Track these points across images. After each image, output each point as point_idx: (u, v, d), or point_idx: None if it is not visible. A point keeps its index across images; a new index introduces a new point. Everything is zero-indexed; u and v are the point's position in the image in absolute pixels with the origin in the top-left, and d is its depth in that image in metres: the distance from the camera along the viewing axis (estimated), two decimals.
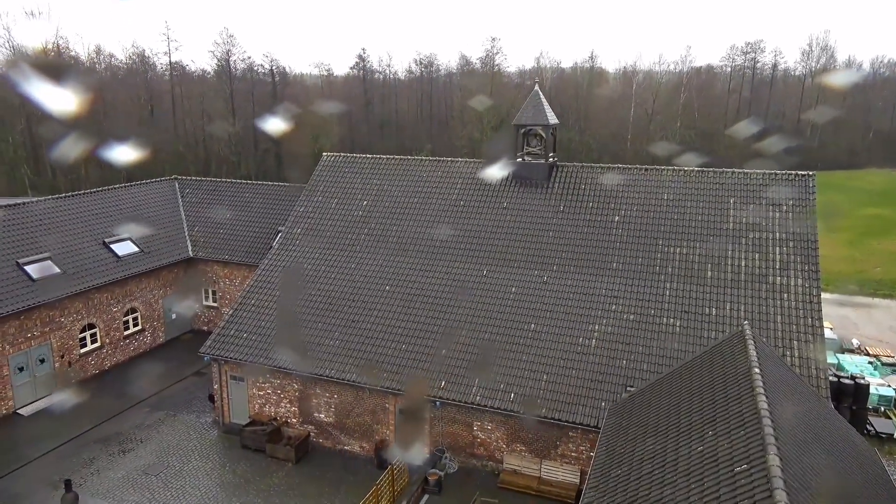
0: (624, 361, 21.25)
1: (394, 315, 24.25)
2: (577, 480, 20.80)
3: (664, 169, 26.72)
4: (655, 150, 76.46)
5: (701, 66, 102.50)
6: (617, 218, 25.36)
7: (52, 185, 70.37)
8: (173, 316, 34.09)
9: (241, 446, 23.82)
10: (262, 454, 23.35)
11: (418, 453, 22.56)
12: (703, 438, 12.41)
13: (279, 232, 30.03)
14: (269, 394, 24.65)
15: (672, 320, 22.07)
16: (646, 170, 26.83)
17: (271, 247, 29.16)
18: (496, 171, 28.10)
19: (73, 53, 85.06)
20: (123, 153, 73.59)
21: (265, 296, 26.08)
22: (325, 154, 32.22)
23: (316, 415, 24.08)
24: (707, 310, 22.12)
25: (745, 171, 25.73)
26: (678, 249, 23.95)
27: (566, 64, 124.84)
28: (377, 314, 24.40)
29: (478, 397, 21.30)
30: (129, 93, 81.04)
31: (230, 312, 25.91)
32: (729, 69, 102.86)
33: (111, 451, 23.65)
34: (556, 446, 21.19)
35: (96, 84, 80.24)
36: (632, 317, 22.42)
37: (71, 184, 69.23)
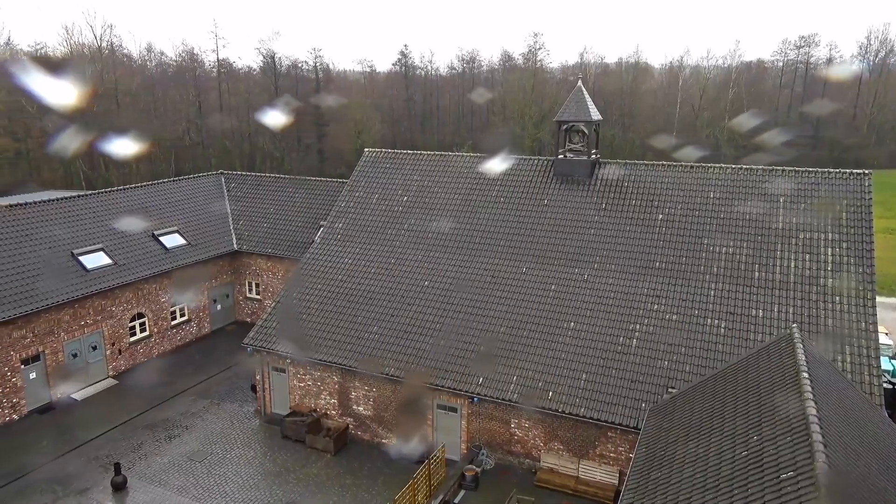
0: (665, 362, 20.86)
1: (432, 311, 24.33)
2: (616, 481, 20.53)
3: (710, 166, 26.08)
4: (703, 147, 74.70)
5: (751, 61, 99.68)
6: (661, 216, 24.88)
7: (106, 178, 72.88)
8: (218, 307, 34.95)
9: (282, 436, 24.30)
10: (301, 444, 23.76)
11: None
12: (747, 443, 12.09)
13: (321, 226, 30.44)
14: (309, 385, 25.07)
15: (717, 321, 21.55)
16: (691, 167, 26.23)
17: (313, 241, 29.58)
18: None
19: (125, 52, 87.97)
20: (171, 148, 75.79)
21: (306, 289, 26.49)
22: (366, 150, 32.50)
23: (354, 407, 24.37)
24: (754, 311, 21.52)
25: (797, 168, 24.91)
26: (724, 249, 23.35)
27: (610, 59, 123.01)
28: (415, 309, 24.52)
29: (515, 395, 21.22)
30: (179, 90, 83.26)
31: (273, 305, 26.41)
32: (781, 64, 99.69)
33: (158, 437, 24.42)
34: (594, 446, 20.96)
35: (148, 82, 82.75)
36: (674, 317, 21.98)
37: (123, 178, 71.64)
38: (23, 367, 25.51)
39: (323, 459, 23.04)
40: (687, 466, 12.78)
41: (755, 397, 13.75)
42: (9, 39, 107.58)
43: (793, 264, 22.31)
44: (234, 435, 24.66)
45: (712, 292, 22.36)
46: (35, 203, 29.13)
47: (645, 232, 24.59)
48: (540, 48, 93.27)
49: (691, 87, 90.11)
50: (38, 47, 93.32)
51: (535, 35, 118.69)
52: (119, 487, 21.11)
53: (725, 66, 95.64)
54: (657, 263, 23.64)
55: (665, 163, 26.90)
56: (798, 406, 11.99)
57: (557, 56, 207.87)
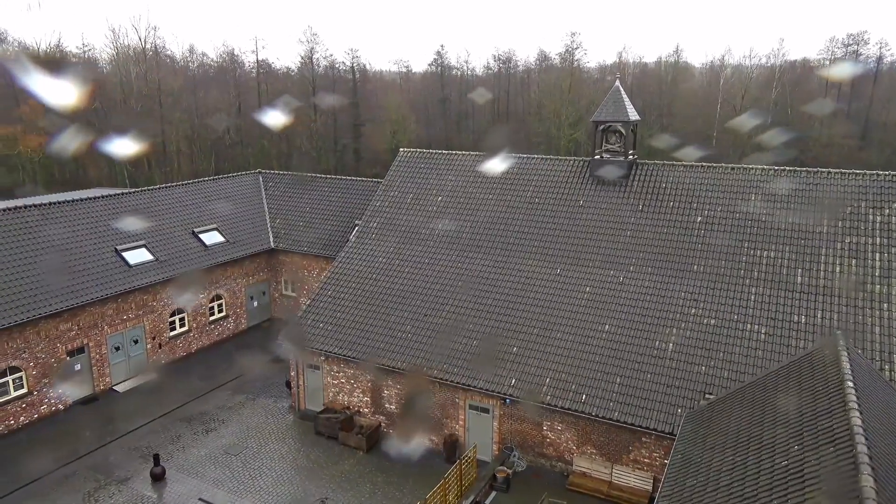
0: (703, 368, 20.44)
1: (465, 311, 24.31)
2: (650, 487, 20.20)
3: (752, 168, 25.45)
4: (742, 149, 73.06)
5: (795, 60, 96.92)
6: (699, 218, 24.39)
7: (149, 176, 74.87)
8: (255, 304, 35.56)
9: (315, 432, 24.58)
10: (334, 441, 24.01)
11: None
12: (788, 453, 11.76)
13: (356, 225, 30.70)
14: (342, 383, 25.31)
15: (756, 327, 21.02)
16: (732, 168, 25.64)
17: (348, 240, 29.86)
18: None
19: (168, 53, 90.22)
20: (212, 147, 77.31)
21: (341, 288, 26.75)
22: (401, 150, 32.65)
23: (387, 406, 24.51)
24: (796, 317, 20.93)
25: (843, 171, 24.13)
26: (766, 253, 22.77)
27: (649, 59, 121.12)
28: (449, 310, 24.53)
29: (548, 397, 21.06)
30: (220, 90, 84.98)
31: (308, 303, 26.75)
32: (827, 62, 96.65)
33: (196, 430, 24.96)
34: (628, 451, 20.66)
35: (190, 83, 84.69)
36: (713, 321, 21.53)
37: (165, 176, 73.51)
38: (68, 358, 26.38)
39: (355, 456, 23.24)
40: (724, 475, 12.49)
41: (796, 406, 13.36)
42: (59, 42, 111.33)
43: (838, 269, 21.63)
44: (268, 430, 25.06)
45: (752, 297, 21.82)
46: (81, 200, 30.09)
47: (683, 234, 24.13)
48: (577, 48, 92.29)
49: (733, 86, 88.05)
50: (85, 49, 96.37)
51: (573, 34, 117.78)
52: (158, 478, 21.66)
53: (769, 64, 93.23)
54: (695, 266, 23.18)
55: (705, 164, 26.35)
56: (842, 416, 11.61)
57: (595, 55, 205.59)
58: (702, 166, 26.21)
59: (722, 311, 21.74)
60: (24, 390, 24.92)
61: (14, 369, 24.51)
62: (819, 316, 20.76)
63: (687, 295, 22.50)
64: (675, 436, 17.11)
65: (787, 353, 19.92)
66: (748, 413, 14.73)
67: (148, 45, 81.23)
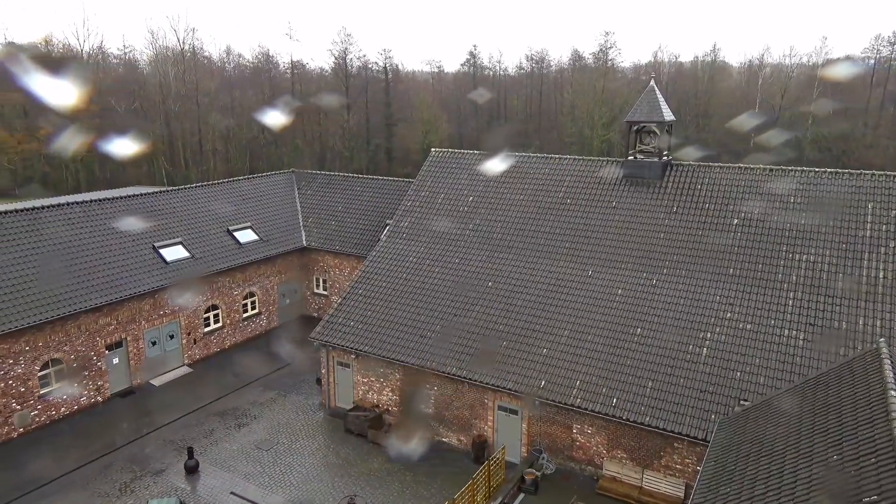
0: (738, 373, 20.01)
1: (495, 311, 24.24)
2: (682, 494, 19.85)
3: (791, 169, 24.82)
4: (783, 149, 71.28)
5: (838, 58, 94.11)
6: (736, 221, 23.89)
7: (185, 175, 76.47)
8: (287, 302, 36.01)
9: (345, 430, 24.78)
10: (363, 439, 24.17)
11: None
12: (826, 463, 11.43)
13: (387, 225, 30.86)
14: (372, 381, 25.46)
15: (795, 332, 20.49)
16: (770, 170, 25.05)
17: (379, 239, 30.03)
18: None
19: (206, 54, 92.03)
20: (246, 147, 78.49)
21: (372, 287, 26.92)
22: (433, 150, 32.71)
23: (416, 405, 24.57)
24: (836, 323, 20.34)
25: (888, 173, 23.37)
26: (805, 257, 22.19)
27: (685, 58, 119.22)
28: (479, 310, 24.49)
29: (578, 399, 20.87)
30: (255, 90, 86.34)
31: (339, 301, 26.99)
32: (872, 61, 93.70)
33: (228, 425, 25.39)
34: (659, 456, 20.34)
35: (226, 83, 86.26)
36: (749, 326, 21.06)
37: (201, 175, 75.00)
38: (107, 352, 27.09)
39: (384, 455, 23.35)
40: (759, 483, 12.21)
41: (836, 414, 12.98)
42: (101, 44, 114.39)
43: (881, 275, 20.96)
44: (298, 426, 25.35)
45: (791, 301, 21.29)
46: (120, 198, 30.87)
47: (718, 237, 23.66)
48: (611, 47, 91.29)
49: (772, 86, 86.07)
50: (126, 50, 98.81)
51: (607, 34, 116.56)
52: (192, 471, 22.10)
53: (810, 63, 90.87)
54: (731, 270, 22.71)
55: (742, 165, 25.80)
56: (885, 427, 11.24)
57: (629, 55, 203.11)
58: (738, 167, 25.67)
59: (759, 315, 21.26)
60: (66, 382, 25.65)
61: (56, 361, 25.27)
62: (861, 322, 20.14)
63: (722, 299, 22.06)
64: (709, 442, 16.79)
65: (827, 360, 19.38)
66: (785, 421, 14.36)
67: (186, 47, 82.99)
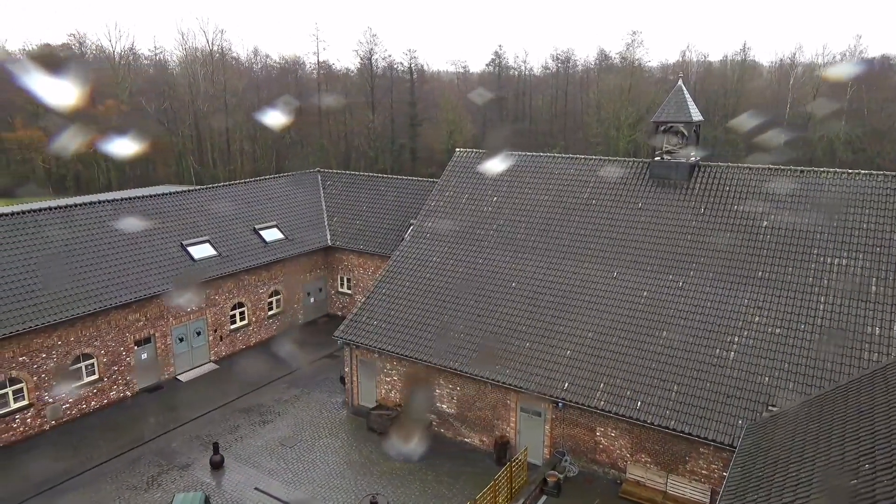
0: (766, 378, 19.65)
1: (519, 312, 24.15)
2: (707, 500, 19.57)
3: (823, 171, 24.29)
4: (816, 150, 69.88)
5: (874, 57, 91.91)
6: (765, 223, 23.46)
7: (213, 174, 77.60)
8: (311, 300, 36.32)
9: (367, 428, 24.91)
10: (386, 437, 24.25)
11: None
12: (858, 472, 11.16)
13: (411, 225, 30.95)
14: (395, 380, 25.55)
15: (826, 338, 20.03)
16: (801, 171, 24.55)
17: (403, 239, 30.12)
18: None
19: (234, 55, 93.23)
20: (273, 146, 79.25)
21: (395, 286, 27.01)
22: (457, 150, 32.71)
23: (438, 405, 24.60)
24: (869, 329, 19.85)
25: None
26: (837, 260, 21.69)
27: (714, 57, 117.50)
28: (502, 310, 24.42)
29: (602, 402, 20.69)
30: (282, 91, 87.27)
31: (363, 300, 27.13)
32: None
33: (253, 421, 25.70)
34: (684, 461, 20.07)
35: (253, 84, 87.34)
36: (777, 330, 20.66)
37: (229, 174, 76.05)
38: (136, 348, 27.61)
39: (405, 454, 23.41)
40: (787, 491, 11.96)
41: (868, 423, 12.65)
42: (132, 45, 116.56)
43: None
44: (322, 424, 25.55)
45: (821, 306, 20.83)
46: (150, 196, 31.43)
47: (747, 239, 23.27)
48: (638, 46, 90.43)
49: (804, 85, 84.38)
50: (157, 51, 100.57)
51: (634, 33, 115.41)
52: (217, 466, 22.41)
53: (844, 62, 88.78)
54: (760, 273, 22.31)
55: (772, 166, 25.32)
56: None
57: (657, 54, 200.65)
58: (769, 169, 25.20)
59: (788, 319, 20.85)
60: (95, 376, 26.22)
61: (86, 356, 25.83)
62: (895, 328, 19.63)
63: (751, 302, 21.68)
64: (735, 448, 16.51)
65: (859, 366, 18.93)
66: (815, 428, 14.05)
67: (215, 48, 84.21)
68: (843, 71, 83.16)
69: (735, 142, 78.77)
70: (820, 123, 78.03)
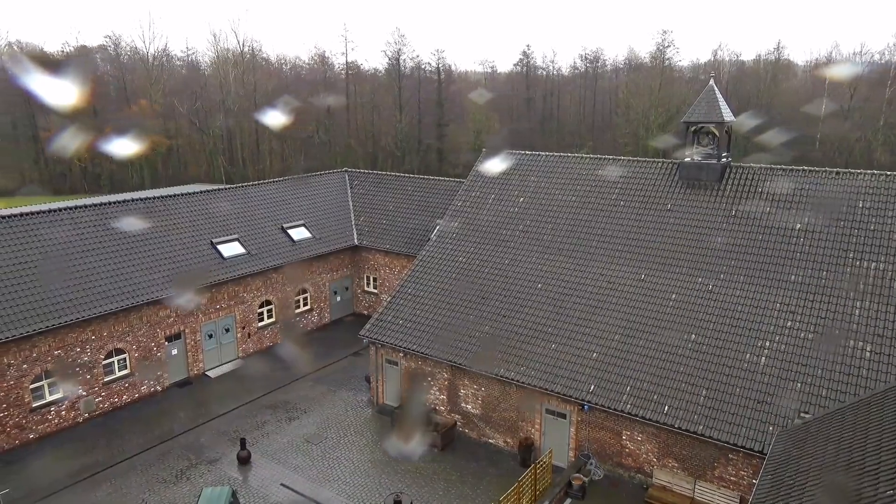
0: (798, 384, 19.22)
1: (544, 313, 24.01)
2: None
3: (861, 173, 23.68)
4: (852, 153, 68.11)
5: None
6: (799, 226, 22.95)
7: (243, 174, 78.69)
8: (338, 299, 36.60)
9: (392, 427, 24.99)
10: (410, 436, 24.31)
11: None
12: (894, 482, 10.86)
13: (437, 225, 30.98)
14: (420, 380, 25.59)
15: (861, 343, 19.54)
16: (837, 173, 23.96)
17: (429, 239, 30.17)
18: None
19: (264, 56, 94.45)
20: (301, 146, 79.97)
21: (421, 286, 27.07)
22: (484, 150, 32.64)
23: (463, 405, 24.59)
24: None
25: None
26: (873, 265, 21.13)
27: (747, 56, 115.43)
28: (528, 311, 24.30)
29: (628, 405, 20.46)
30: (310, 91, 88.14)
31: (388, 300, 27.25)
32: None
33: (279, 418, 25.99)
34: (712, 467, 19.74)
35: (283, 84, 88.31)
36: (811, 336, 20.20)
37: (258, 173, 77.04)
38: (167, 343, 28.13)
39: (430, 454, 23.45)
40: (819, 500, 11.69)
41: None
42: (165, 47, 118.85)
43: None
44: (347, 422, 25.72)
45: (857, 311, 20.31)
46: (181, 195, 31.99)
47: (780, 242, 22.79)
48: (668, 46, 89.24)
49: (840, 84, 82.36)
50: (189, 52, 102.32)
51: (664, 32, 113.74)
52: (244, 461, 22.71)
53: (882, 61, 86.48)
54: (792, 277, 21.84)
55: (806, 168, 24.76)
56: None
57: (688, 54, 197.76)
58: (803, 170, 24.65)
59: (822, 324, 20.36)
60: (127, 371, 26.79)
61: (119, 351, 26.40)
62: None
63: (783, 306, 21.23)
64: (766, 455, 16.19)
65: None
66: (849, 436, 13.72)
67: (245, 49, 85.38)
68: (881, 70, 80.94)
69: (768, 143, 77.19)
70: (857, 124, 76.10)
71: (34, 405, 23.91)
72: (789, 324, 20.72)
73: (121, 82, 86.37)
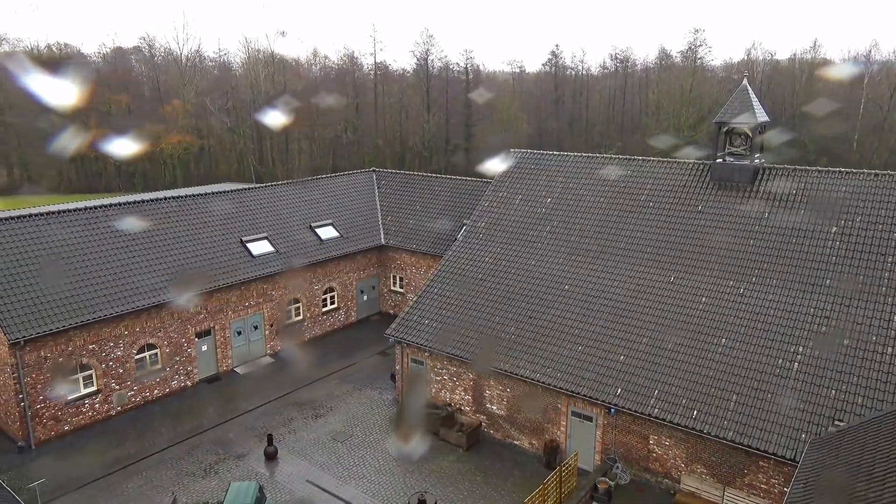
0: (833, 391, 18.75)
1: (571, 315, 23.83)
2: None
3: None
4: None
5: None
6: (834, 229, 22.40)
7: (272, 173, 79.66)
8: (365, 298, 36.81)
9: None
10: (435, 436, 24.34)
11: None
12: None
13: (464, 225, 30.96)
14: (445, 380, 25.62)
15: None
16: (875, 175, 23.33)
17: (456, 239, 30.17)
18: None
19: (294, 56, 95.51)
20: (330, 146, 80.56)
21: (447, 286, 27.08)
22: (512, 150, 32.52)
23: (488, 405, 24.53)
24: None
25: None
26: None
27: (782, 55, 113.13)
28: (554, 313, 24.15)
29: (656, 409, 20.19)
30: (339, 91, 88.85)
31: (415, 299, 27.32)
32: None
33: (306, 415, 26.23)
34: (742, 474, 19.37)
35: (312, 84, 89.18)
36: (846, 342, 19.69)
37: (287, 173, 77.92)
38: (197, 339, 28.60)
39: (455, 454, 23.45)
40: None
41: None
42: (198, 48, 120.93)
43: None
44: (373, 420, 25.86)
45: (895, 317, 19.73)
46: (212, 194, 32.50)
47: (814, 245, 22.27)
48: (700, 45, 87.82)
49: (879, 84, 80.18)
50: (221, 53, 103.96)
51: (696, 31, 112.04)
52: (271, 457, 22.99)
53: None
54: (827, 281, 21.31)
55: (843, 170, 24.14)
56: None
57: (720, 53, 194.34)
58: (839, 172, 24.05)
59: (857, 330, 19.84)
60: (158, 366, 27.30)
61: (150, 346, 26.93)
62: None
63: (817, 311, 20.73)
64: (798, 463, 15.83)
65: None
66: (886, 445, 13.34)
67: (275, 49, 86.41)
68: None
69: (803, 144, 75.55)
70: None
71: (69, 398, 24.51)
72: (824, 329, 20.23)
73: (155, 83, 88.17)
